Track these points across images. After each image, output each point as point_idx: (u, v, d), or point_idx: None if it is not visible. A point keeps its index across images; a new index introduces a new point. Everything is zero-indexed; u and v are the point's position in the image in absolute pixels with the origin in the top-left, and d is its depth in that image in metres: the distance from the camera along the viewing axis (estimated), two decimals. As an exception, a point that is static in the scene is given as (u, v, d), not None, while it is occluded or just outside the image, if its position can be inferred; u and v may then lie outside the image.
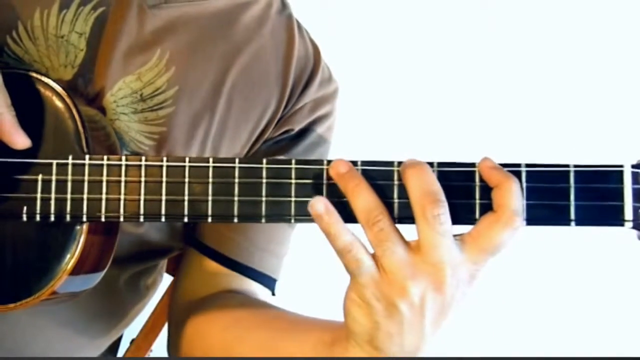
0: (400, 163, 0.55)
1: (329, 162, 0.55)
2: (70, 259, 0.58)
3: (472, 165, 0.55)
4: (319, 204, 0.52)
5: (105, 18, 0.67)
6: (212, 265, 0.76)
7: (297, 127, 0.77)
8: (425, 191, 0.52)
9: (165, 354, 0.79)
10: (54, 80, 0.60)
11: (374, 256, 0.53)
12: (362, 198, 0.53)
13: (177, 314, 0.77)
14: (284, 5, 0.80)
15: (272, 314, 0.72)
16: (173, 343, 0.77)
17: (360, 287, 0.53)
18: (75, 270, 0.59)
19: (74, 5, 0.67)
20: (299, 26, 0.80)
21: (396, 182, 0.55)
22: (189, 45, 0.71)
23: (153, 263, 0.82)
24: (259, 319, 0.70)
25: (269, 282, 0.78)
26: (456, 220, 0.53)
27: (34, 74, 0.60)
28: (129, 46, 0.68)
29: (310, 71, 0.78)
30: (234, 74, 0.73)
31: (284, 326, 0.67)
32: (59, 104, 0.60)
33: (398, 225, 0.53)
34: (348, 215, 0.53)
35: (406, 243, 0.52)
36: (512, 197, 0.52)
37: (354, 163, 0.55)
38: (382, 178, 0.54)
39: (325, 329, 0.60)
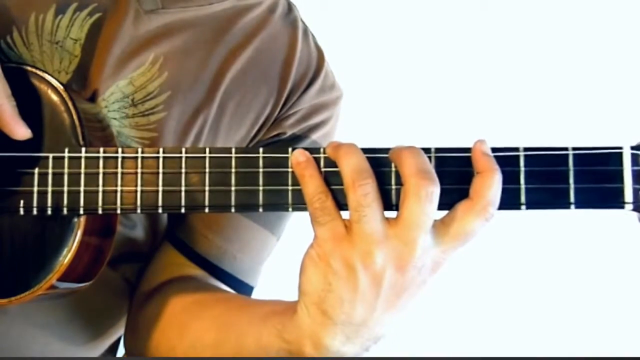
0: None
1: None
2: (67, 253, 0.58)
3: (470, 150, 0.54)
4: (300, 154, 0.53)
5: (101, 24, 0.67)
6: (185, 261, 0.75)
7: (290, 132, 0.76)
8: (422, 169, 0.51)
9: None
10: (51, 75, 0.60)
11: (348, 221, 0.52)
12: (355, 158, 0.52)
13: (138, 299, 0.76)
14: (289, 9, 0.79)
15: (229, 294, 0.72)
16: (130, 327, 0.76)
17: (322, 241, 0.52)
18: (73, 264, 0.58)
19: (70, 11, 0.67)
20: (305, 31, 0.79)
21: (393, 170, 0.54)
22: (183, 50, 0.70)
23: (145, 263, 0.81)
24: (215, 297, 0.70)
25: (240, 287, 0.76)
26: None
27: (30, 68, 0.61)
28: (123, 51, 0.68)
29: (310, 77, 0.77)
30: (227, 80, 0.72)
31: (238, 302, 0.67)
32: (55, 97, 0.60)
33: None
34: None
35: (384, 216, 0.52)
36: (491, 187, 0.51)
37: None
38: (379, 165, 0.54)
39: (278, 302, 0.60)
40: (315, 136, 0.77)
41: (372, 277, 0.51)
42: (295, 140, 0.76)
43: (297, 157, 0.54)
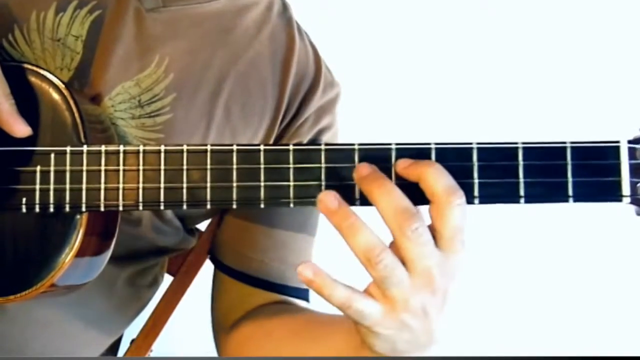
0: (398, 144, 0.55)
1: (327, 144, 0.56)
2: (69, 251, 0.58)
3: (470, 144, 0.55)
4: (307, 270, 0.52)
5: (101, 21, 0.68)
6: (247, 288, 0.77)
7: (305, 140, 0.77)
8: (398, 209, 0.51)
9: (165, 354, 0.79)
10: (52, 73, 0.60)
11: (375, 290, 0.53)
12: (363, 236, 0.51)
13: (220, 335, 0.79)
14: (285, 7, 0.80)
15: (300, 321, 0.73)
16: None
17: (368, 329, 0.53)
18: (75, 262, 0.59)
19: (71, 9, 0.68)
20: (299, 30, 0.80)
21: (392, 166, 0.55)
22: (188, 51, 0.71)
23: (152, 262, 0.82)
24: (289, 329, 0.72)
25: (304, 294, 0.79)
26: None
27: (31, 67, 0.61)
28: (127, 51, 0.68)
29: (311, 81, 0.78)
30: (230, 82, 0.73)
31: (312, 332, 0.69)
32: (56, 95, 0.60)
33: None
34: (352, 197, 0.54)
35: (402, 264, 0.52)
36: (436, 181, 0.52)
37: (351, 145, 0.55)
38: (380, 160, 0.55)
39: (352, 332, 0.59)
40: (325, 138, 0.79)
41: (420, 317, 0.53)
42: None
43: (307, 275, 0.52)
